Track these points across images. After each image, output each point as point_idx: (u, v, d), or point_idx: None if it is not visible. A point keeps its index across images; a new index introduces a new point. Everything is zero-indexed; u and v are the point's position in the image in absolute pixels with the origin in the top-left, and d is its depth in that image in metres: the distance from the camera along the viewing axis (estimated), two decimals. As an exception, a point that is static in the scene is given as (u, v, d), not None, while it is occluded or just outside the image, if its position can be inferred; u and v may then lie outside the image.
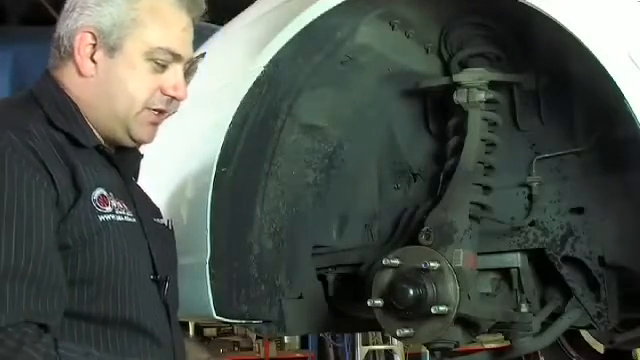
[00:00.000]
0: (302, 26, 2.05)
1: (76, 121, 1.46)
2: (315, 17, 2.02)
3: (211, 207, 2.17)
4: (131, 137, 1.53)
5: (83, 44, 1.47)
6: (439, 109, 2.37)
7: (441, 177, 2.25)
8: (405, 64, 2.33)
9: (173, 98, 1.54)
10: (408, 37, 2.25)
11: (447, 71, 2.28)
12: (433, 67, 2.32)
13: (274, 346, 6.85)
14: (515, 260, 2.16)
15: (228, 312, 2.24)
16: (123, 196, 1.49)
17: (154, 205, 1.72)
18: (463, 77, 2.18)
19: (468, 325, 2.01)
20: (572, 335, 3.52)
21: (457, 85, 2.19)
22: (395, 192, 2.48)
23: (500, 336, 2.86)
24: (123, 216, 1.44)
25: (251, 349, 6.99)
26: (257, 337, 6.67)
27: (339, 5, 1.98)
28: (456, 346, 2.02)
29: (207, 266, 2.18)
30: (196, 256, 2.17)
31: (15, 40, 4.81)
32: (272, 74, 2.14)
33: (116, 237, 1.40)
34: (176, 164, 2.39)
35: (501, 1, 1.94)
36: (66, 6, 1.52)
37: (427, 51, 2.31)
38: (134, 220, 1.48)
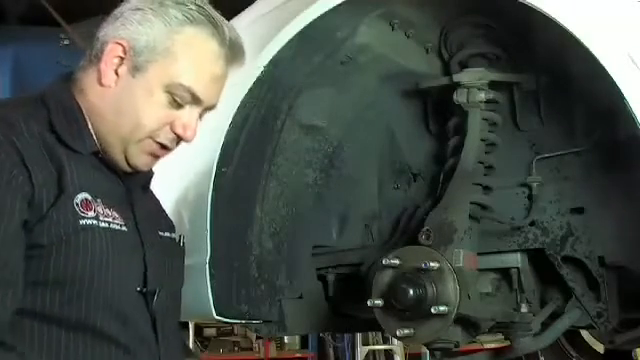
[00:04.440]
0: (302, 26, 2.05)
1: (78, 126, 1.45)
2: (315, 17, 2.02)
3: (211, 207, 2.17)
4: (126, 160, 1.49)
5: (112, 54, 1.46)
6: (439, 109, 2.37)
7: (441, 177, 2.25)
8: (405, 64, 2.33)
9: (180, 138, 1.50)
10: (408, 37, 2.26)
11: (447, 71, 2.28)
12: (433, 67, 2.32)
13: (274, 346, 6.85)
14: (515, 260, 2.17)
15: (228, 312, 2.24)
16: (119, 204, 1.46)
17: (166, 219, 1.69)
18: (463, 77, 2.18)
19: (468, 325, 2.01)
20: (572, 335, 3.53)
21: (457, 85, 2.19)
22: (395, 192, 2.48)
23: (500, 336, 2.85)
24: (109, 223, 1.40)
25: (251, 349, 6.99)
26: (257, 337, 6.67)
27: (339, 5, 1.98)
28: (456, 346, 2.02)
29: (207, 266, 2.18)
30: (196, 256, 2.16)
31: (15, 40, 4.81)
32: (272, 74, 2.14)
33: (95, 242, 1.37)
34: (176, 164, 2.39)
35: (501, 1, 1.94)
36: (115, 11, 1.50)
37: (427, 51, 2.31)
38: (124, 229, 1.44)
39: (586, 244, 2.08)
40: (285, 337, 6.68)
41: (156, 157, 1.53)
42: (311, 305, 2.44)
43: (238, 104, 2.16)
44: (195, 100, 1.48)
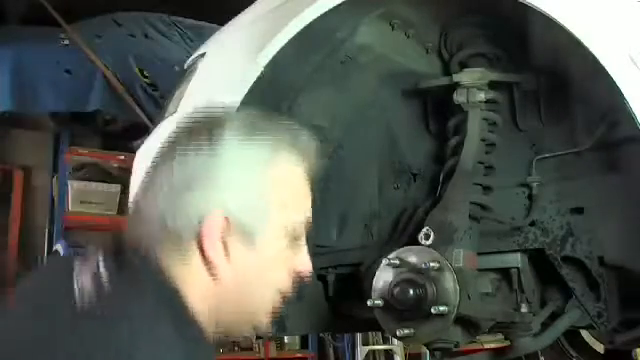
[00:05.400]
0: (302, 26, 2.05)
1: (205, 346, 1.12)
2: (315, 17, 2.02)
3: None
4: (255, 330, 1.22)
5: (215, 233, 1.10)
6: (439, 109, 2.37)
7: (441, 177, 2.25)
8: (405, 64, 2.33)
9: (298, 276, 1.24)
10: (408, 37, 2.26)
11: (447, 71, 2.28)
12: (433, 67, 2.32)
13: (274, 346, 6.84)
14: (515, 260, 2.17)
15: (228, 312, 2.23)
16: None
17: None
18: (463, 77, 2.18)
19: (468, 325, 2.01)
20: (572, 335, 3.52)
21: (457, 85, 2.19)
22: (395, 192, 2.48)
23: (500, 336, 2.85)
24: None
25: (251, 349, 6.98)
26: (257, 337, 6.67)
27: (339, 5, 1.98)
28: (456, 346, 2.02)
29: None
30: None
31: (15, 40, 4.80)
32: (272, 74, 2.14)
33: None
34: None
35: (501, 1, 1.94)
36: (172, 181, 1.12)
37: (427, 51, 2.31)
38: None
39: (586, 244, 2.08)
40: (285, 337, 6.67)
41: None
42: (311, 305, 2.44)
43: (238, 104, 2.15)
44: (308, 227, 1.22)
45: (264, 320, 1.20)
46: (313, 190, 1.22)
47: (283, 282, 1.20)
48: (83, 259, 1.11)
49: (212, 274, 1.12)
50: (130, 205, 1.19)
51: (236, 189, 1.12)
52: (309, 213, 1.21)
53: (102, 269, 1.08)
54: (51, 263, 1.19)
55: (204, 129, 1.15)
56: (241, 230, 1.11)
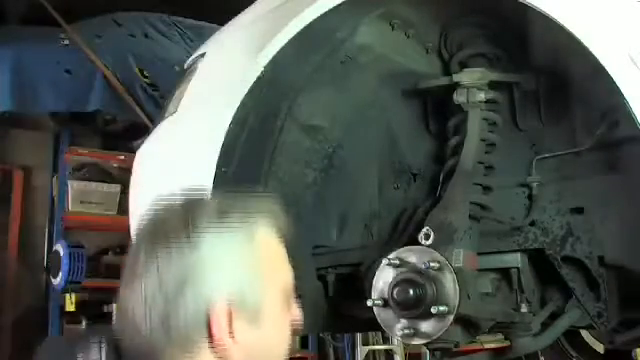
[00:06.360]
0: (302, 26, 2.05)
1: None
2: (315, 17, 2.02)
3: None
4: None
5: (222, 323, 1.11)
6: (439, 109, 2.37)
7: (441, 177, 2.25)
8: (405, 64, 2.33)
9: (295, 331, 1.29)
10: (408, 37, 2.26)
11: (447, 71, 2.28)
12: (433, 67, 2.32)
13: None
14: (515, 260, 2.16)
15: (228, 312, 2.23)
16: None
17: None
18: (463, 77, 2.18)
19: (468, 325, 2.01)
20: (572, 335, 3.52)
21: (457, 85, 2.19)
22: (395, 192, 2.48)
23: (500, 336, 2.85)
24: None
25: (251, 349, 6.99)
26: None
27: (339, 5, 1.98)
28: (456, 346, 2.02)
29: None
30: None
31: (15, 40, 4.81)
32: (272, 74, 2.14)
33: None
34: (176, 164, 2.39)
35: (501, 1, 1.94)
36: (168, 284, 1.11)
37: (427, 51, 2.31)
38: None
39: (586, 244, 2.08)
40: (285, 337, 6.67)
41: None
42: (311, 305, 2.43)
43: (238, 104, 2.15)
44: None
45: None
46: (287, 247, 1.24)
47: (287, 342, 1.24)
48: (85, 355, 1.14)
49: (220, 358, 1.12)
50: (119, 319, 1.16)
51: (229, 276, 1.13)
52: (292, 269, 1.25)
53: None
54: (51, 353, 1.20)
55: (180, 224, 1.15)
56: (245, 311, 1.13)
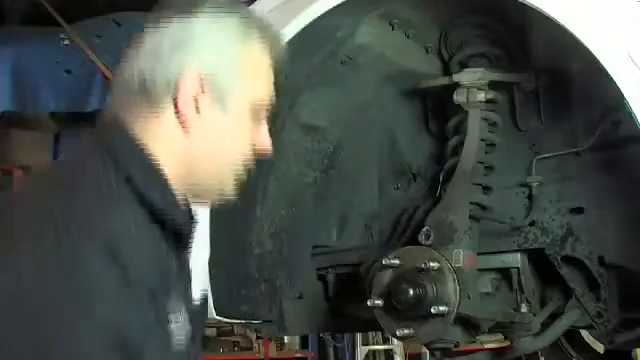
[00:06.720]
0: (302, 26, 2.05)
1: (172, 195, 1.19)
2: (315, 17, 2.02)
3: (211, 207, 2.17)
4: (221, 197, 1.31)
5: (189, 91, 1.20)
6: (439, 109, 2.37)
7: (441, 177, 2.25)
8: (405, 64, 2.33)
9: (259, 154, 1.33)
10: (408, 37, 2.26)
11: (447, 71, 2.28)
12: (433, 67, 2.32)
13: (274, 346, 6.85)
14: (515, 260, 2.17)
15: (228, 312, 2.24)
16: (178, 286, 1.21)
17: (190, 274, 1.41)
18: (463, 77, 2.18)
19: (468, 325, 2.01)
20: (572, 335, 3.52)
21: (457, 85, 2.19)
22: (395, 192, 2.48)
23: (500, 336, 2.85)
24: (179, 321, 1.17)
25: (251, 349, 6.99)
26: (257, 337, 6.67)
27: (339, 5, 1.98)
28: (456, 346, 2.02)
29: (207, 266, 2.18)
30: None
31: (15, 40, 4.81)
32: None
33: (171, 350, 1.13)
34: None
35: (501, 1, 1.94)
36: (153, 44, 1.22)
37: (427, 51, 2.31)
38: (188, 325, 1.20)
39: (586, 244, 2.08)
40: (285, 337, 6.68)
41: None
42: (311, 305, 2.44)
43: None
44: (269, 110, 1.33)
45: (229, 185, 1.29)
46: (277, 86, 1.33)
47: (246, 150, 1.30)
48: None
49: (183, 127, 1.21)
50: (116, 71, 1.28)
51: (212, 53, 1.23)
52: (272, 101, 1.33)
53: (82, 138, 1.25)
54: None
55: (187, 4, 1.26)
56: (213, 90, 1.22)
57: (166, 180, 1.19)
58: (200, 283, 1.46)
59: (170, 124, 1.21)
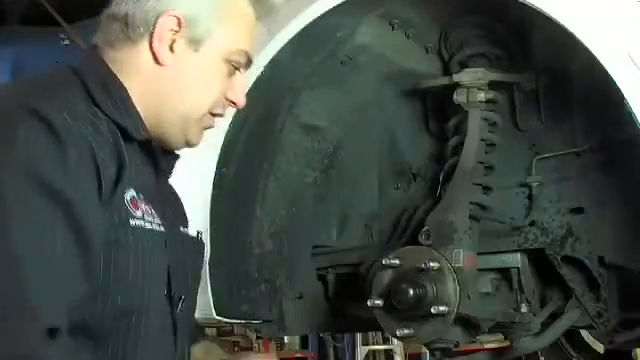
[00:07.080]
0: (302, 26, 2.05)
1: (126, 109, 1.28)
2: (315, 17, 2.02)
3: (211, 207, 2.17)
4: (185, 140, 1.38)
5: (166, 29, 1.29)
6: (439, 109, 2.37)
7: (441, 177, 2.25)
8: (405, 64, 2.33)
9: (232, 104, 1.40)
10: (408, 37, 2.26)
11: (447, 71, 2.28)
12: (433, 67, 2.32)
13: (274, 346, 6.86)
14: (515, 260, 2.17)
15: (228, 312, 2.24)
16: (153, 199, 1.30)
17: (182, 209, 1.51)
18: (463, 77, 2.18)
19: (468, 325, 2.01)
20: (572, 335, 3.52)
21: (457, 85, 2.19)
22: (395, 192, 2.48)
23: (500, 336, 2.85)
24: (151, 223, 1.25)
25: (251, 349, 6.99)
26: (257, 337, 6.67)
27: (339, 5, 1.98)
28: (456, 346, 2.02)
29: (207, 266, 2.18)
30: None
31: (15, 40, 4.81)
32: (272, 74, 2.14)
33: (143, 245, 1.22)
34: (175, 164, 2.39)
35: (501, 1, 1.94)
36: None
37: (427, 51, 2.31)
38: (162, 229, 1.28)
39: (586, 244, 2.08)
40: (285, 337, 6.68)
41: (207, 129, 1.42)
42: (311, 305, 2.44)
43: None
44: (248, 63, 1.39)
45: (195, 131, 1.36)
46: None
47: (217, 97, 1.36)
48: None
49: (156, 63, 1.30)
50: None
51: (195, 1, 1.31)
52: (251, 58, 1.39)
53: None
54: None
55: None
56: (189, 33, 1.30)
57: (128, 100, 1.28)
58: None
59: (145, 58, 1.30)
